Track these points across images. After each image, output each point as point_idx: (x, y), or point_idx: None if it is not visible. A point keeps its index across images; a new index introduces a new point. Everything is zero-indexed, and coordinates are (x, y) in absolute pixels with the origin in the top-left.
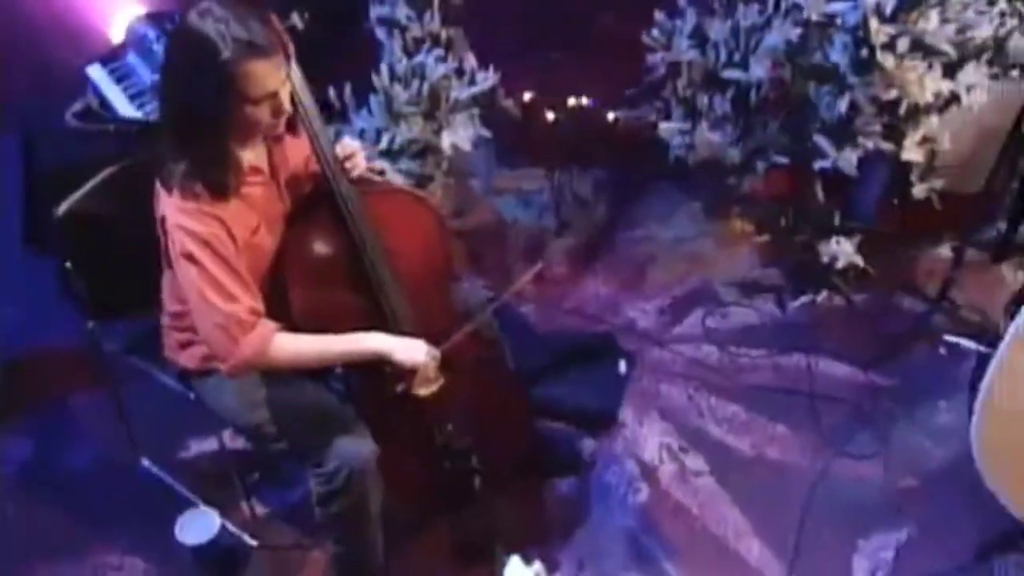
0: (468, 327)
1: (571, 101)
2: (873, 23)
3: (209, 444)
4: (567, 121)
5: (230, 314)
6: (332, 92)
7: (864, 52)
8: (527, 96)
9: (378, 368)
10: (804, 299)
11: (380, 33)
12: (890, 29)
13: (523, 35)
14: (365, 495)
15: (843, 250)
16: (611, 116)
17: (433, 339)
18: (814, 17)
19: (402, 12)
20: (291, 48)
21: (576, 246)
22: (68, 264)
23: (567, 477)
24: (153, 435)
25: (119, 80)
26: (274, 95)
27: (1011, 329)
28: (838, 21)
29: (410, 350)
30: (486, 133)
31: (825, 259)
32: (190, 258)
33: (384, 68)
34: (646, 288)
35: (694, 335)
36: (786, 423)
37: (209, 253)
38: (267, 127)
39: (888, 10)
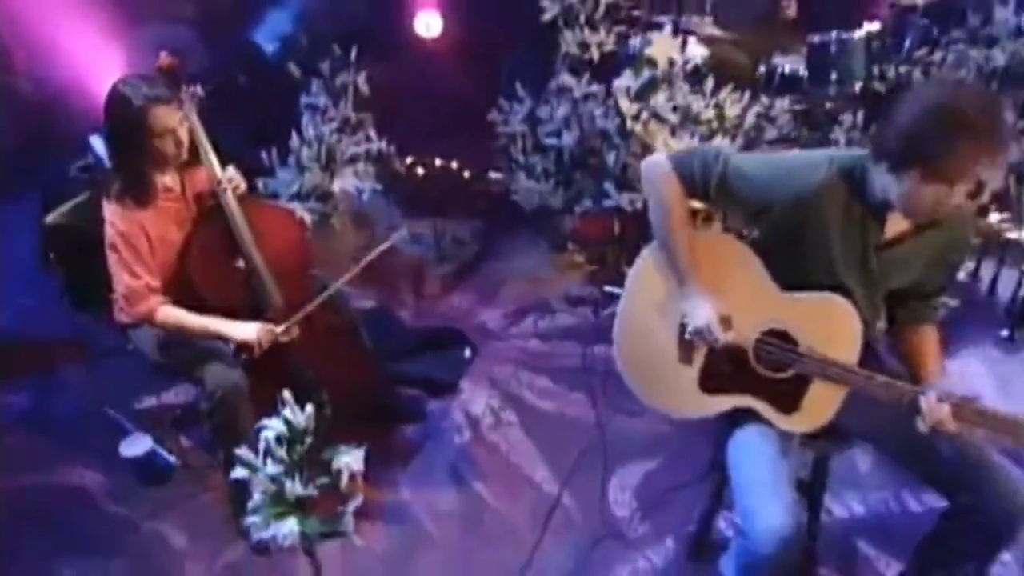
0: (315, 302)
1: (438, 162)
2: (623, 101)
3: (152, 400)
4: (435, 177)
5: (133, 286)
6: (264, 154)
7: (618, 121)
8: (409, 160)
9: None
10: (613, 308)
11: (306, 115)
12: (636, 105)
13: (414, 117)
14: (235, 412)
15: None
16: (466, 174)
17: (293, 308)
18: (576, 94)
19: (323, 100)
20: (187, 102)
21: (449, 272)
22: (51, 255)
23: (412, 424)
24: (116, 393)
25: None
26: (173, 131)
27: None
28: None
29: (242, 331)
30: (378, 187)
31: None
32: (113, 247)
33: (295, 135)
34: (497, 302)
35: (526, 333)
36: (583, 392)
37: (125, 244)
38: (172, 156)
39: (633, 92)
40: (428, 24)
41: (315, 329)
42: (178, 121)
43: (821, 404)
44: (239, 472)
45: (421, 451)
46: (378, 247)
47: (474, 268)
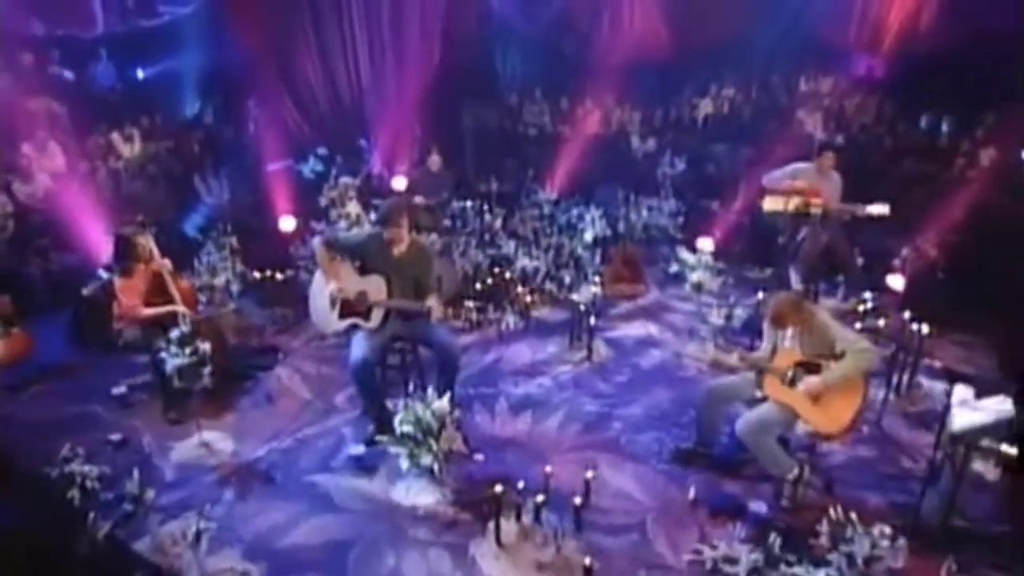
0: (203, 315)
1: (268, 272)
2: (342, 234)
3: (123, 386)
4: (266, 282)
5: (127, 303)
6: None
7: None
8: (256, 272)
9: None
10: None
11: (205, 257)
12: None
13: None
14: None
15: None
16: (279, 277)
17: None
18: (317, 231)
19: (212, 249)
20: (150, 237)
21: (279, 329)
22: (83, 311)
23: (250, 380)
24: (108, 382)
25: (109, 270)
26: (144, 245)
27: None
28: None
29: (180, 309)
30: (241, 287)
31: None
32: (120, 290)
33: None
34: (300, 336)
35: (312, 348)
36: (334, 367)
37: (122, 289)
38: (143, 255)
39: (344, 229)
40: (285, 223)
41: (203, 327)
42: (146, 242)
43: (377, 315)
44: (162, 354)
45: (254, 389)
46: (220, 310)
47: (292, 327)
